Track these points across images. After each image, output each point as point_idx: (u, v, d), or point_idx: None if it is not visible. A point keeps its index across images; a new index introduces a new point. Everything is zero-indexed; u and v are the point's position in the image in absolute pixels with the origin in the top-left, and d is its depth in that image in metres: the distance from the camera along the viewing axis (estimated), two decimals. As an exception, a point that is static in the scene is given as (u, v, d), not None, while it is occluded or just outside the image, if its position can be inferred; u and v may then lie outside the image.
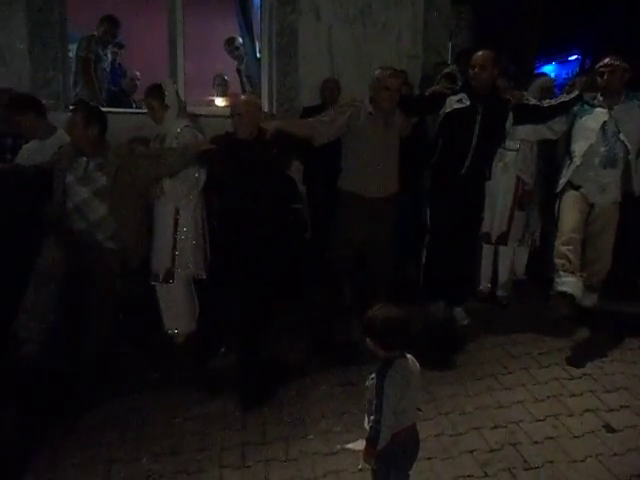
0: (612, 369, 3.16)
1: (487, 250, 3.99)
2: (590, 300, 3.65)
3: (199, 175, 3.27)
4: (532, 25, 6.68)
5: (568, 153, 3.57)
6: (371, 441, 1.85)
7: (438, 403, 2.83)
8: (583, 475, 2.34)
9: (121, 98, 5.39)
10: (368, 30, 5.11)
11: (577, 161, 3.47)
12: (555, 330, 3.60)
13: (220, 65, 6.18)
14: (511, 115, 3.46)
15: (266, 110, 4.85)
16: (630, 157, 3.42)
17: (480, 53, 3.38)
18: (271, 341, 3.34)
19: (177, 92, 3.49)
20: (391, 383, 1.84)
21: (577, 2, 11.63)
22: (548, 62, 12.95)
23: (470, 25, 6.89)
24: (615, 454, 2.46)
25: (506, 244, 3.90)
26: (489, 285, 4.09)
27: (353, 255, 3.34)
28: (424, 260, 3.76)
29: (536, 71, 10.29)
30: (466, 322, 3.68)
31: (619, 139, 3.39)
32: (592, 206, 3.51)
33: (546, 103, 3.58)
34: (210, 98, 5.80)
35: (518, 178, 3.82)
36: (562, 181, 3.57)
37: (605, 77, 3.39)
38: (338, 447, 2.53)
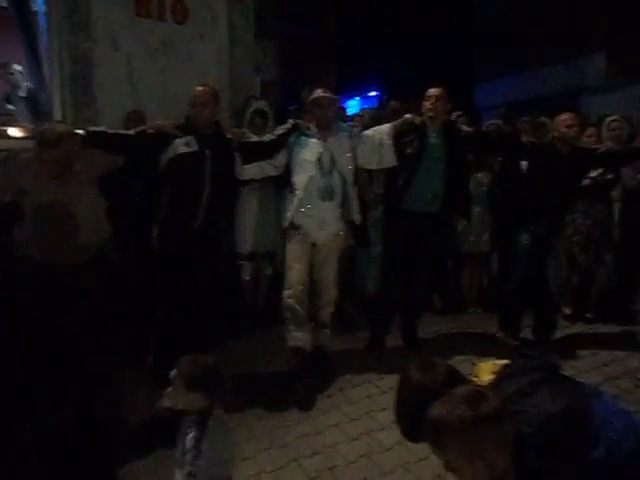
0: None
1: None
2: (323, 338, 3.59)
3: None
4: (329, 62, 7.19)
5: (290, 186, 3.43)
6: None
7: (257, 439, 2.79)
8: (393, 486, 2.47)
9: None
10: (172, 62, 5.01)
11: (299, 194, 3.35)
12: (364, 349, 3.81)
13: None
14: (237, 155, 3.29)
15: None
16: (347, 188, 3.45)
17: (200, 89, 3.15)
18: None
19: None
20: (213, 434, 1.76)
21: (375, 46, 13.08)
22: (352, 97, 14.24)
23: (276, 61, 7.25)
24: (420, 460, 2.64)
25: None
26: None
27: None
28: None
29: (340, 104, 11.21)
30: None
31: (336, 170, 3.38)
32: (314, 244, 3.44)
33: (267, 138, 3.47)
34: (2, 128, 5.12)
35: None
36: (287, 215, 3.41)
37: (319, 112, 3.36)
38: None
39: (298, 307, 3.33)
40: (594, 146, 4.07)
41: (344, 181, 3.42)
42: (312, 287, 3.53)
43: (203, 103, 3.09)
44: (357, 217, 3.55)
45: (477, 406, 1.33)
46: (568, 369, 3.64)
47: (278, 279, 4.23)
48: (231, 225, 4.09)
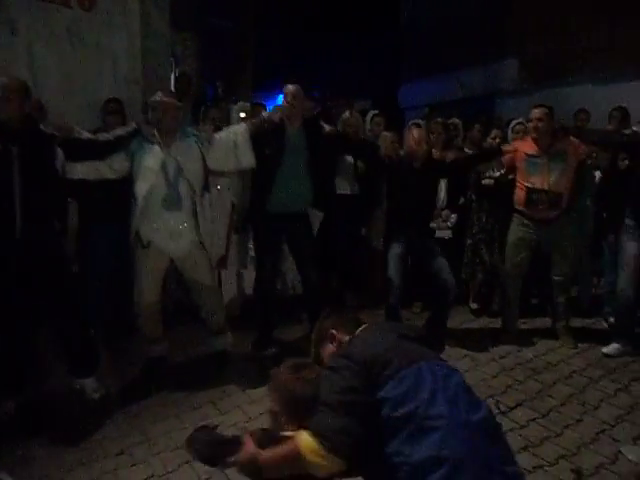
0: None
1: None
2: (220, 344, 3.56)
3: None
4: (245, 58, 7.12)
5: (132, 195, 3.19)
6: None
7: (151, 443, 2.71)
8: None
9: None
10: (78, 51, 4.78)
11: (140, 204, 3.13)
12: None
13: None
14: (61, 151, 2.95)
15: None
16: (195, 197, 3.25)
17: (3, 81, 2.79)
18: None
19: None
20: None
21: (302, 42, 13.10)
22: (280, 92, 14.20)
23: (196, 53, 7.07)
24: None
25: (226, 268, 3.97)
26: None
27: None
28: None
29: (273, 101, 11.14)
30: (97, 395, 3.12)
31: (183, 178, 3.18)
32: (172, 259, 3.29)
33: (102, 137, 3.20)
34: None
35: (232, 203, 3.94)
36: (133, 228, 3.20)
37: (160, 115, 3.15)
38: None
39: (149, 324, 3.28)
40: (442, 155, 4.24)
41: (193, 189, 3.23)
42: (197, 300, 3.41)
43: (7, 98, 2.74)
44: (208, 227, 3.37)
45: (294, 372, 1.68)
46: (468, 361, 3.82)
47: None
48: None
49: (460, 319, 4.66)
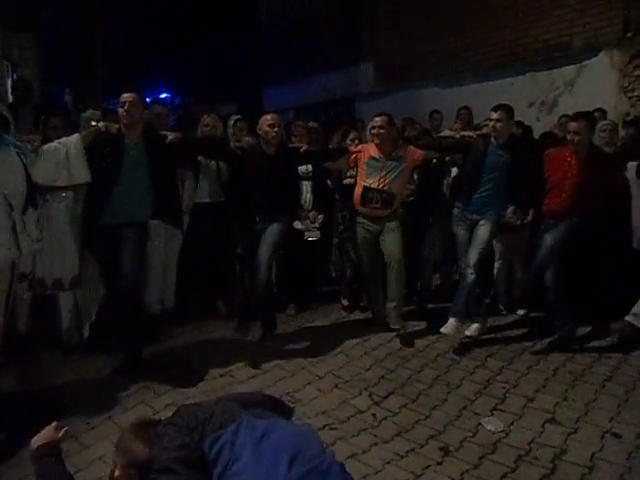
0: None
1: (65, 298, 3.70)
2: None
3: None
4: (93, 64, 6.68)
5: None
6: None
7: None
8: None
9: None
10: None
11: None
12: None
13: None
14: None
15: None
16: (14, 214, 2.85)
17: None
18: None
19: None
20: None
21: (165, 46, 12.65)
22: (144, 98, 13.66)
23: (37, 56, 6.43)
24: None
25: (79, 287, 3.65)
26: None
27: None
28: None
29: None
30: None
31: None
32: None
33: None
34: None
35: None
36: None
37: None
38: None
39: None
40: (296, 145, 4.34)
41: (10, 205, 2.82)
42: None
43: None
44: (32, 247, 3.04)
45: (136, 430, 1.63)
46: (342, 357, 3.91)
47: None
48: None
49: (333, 316, 4.78)
